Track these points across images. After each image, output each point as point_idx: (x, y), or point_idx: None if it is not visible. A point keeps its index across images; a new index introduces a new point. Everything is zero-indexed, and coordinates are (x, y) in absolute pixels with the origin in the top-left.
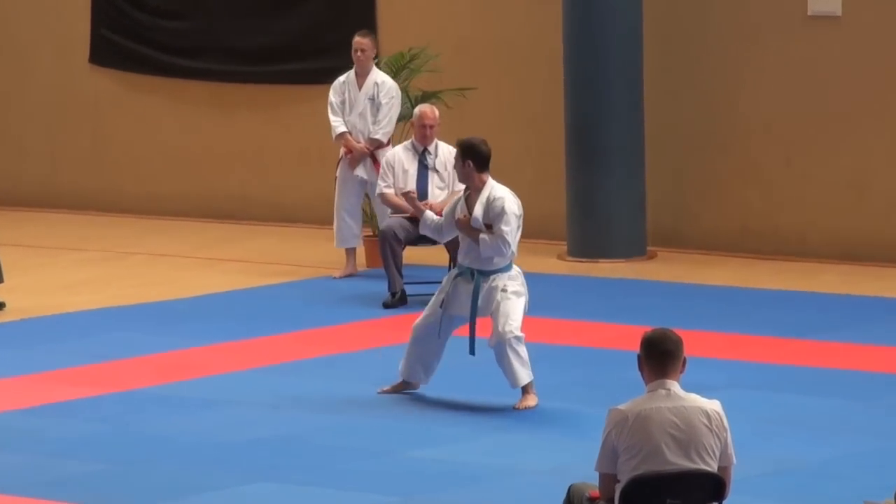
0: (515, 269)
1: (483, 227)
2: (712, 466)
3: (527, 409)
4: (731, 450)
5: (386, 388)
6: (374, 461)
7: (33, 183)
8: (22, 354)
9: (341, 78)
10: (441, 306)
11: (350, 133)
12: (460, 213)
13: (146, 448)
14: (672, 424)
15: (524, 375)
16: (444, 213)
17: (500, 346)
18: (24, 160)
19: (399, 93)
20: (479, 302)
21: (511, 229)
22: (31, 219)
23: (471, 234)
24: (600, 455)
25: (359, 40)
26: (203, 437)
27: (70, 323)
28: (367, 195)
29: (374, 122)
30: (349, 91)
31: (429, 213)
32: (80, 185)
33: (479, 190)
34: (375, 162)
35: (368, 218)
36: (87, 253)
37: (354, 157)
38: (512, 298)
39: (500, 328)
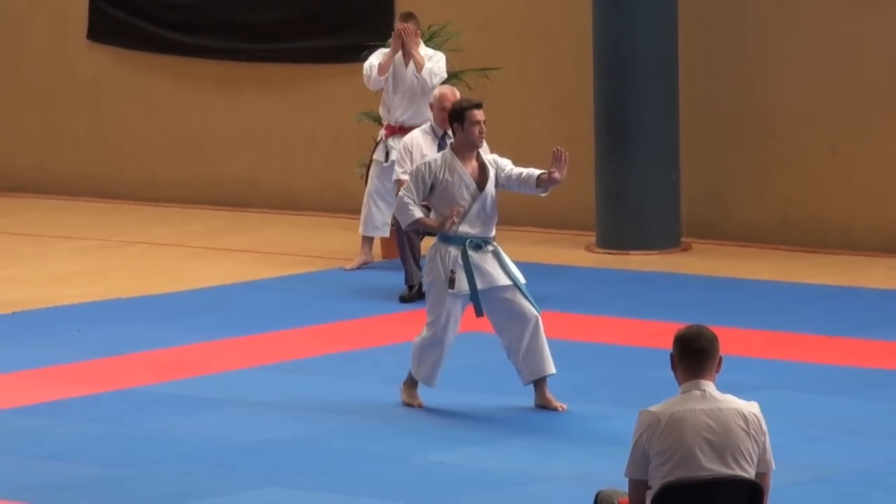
0: None
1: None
2: (749, 472)
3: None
4: (770, 455)
5: (407, 398)
6: (388, 466)
7: (27, 167)
8: (14, 350)
9: (386, 49)
10: (453, 289)
11: (389, 112)
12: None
13: (146, 450)
14: (707, 427)
15: (550, 365)
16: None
17: (536, 328)
18: (17, 143)
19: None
20: (494, 270)
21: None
22: (25, 205)
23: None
24: (630, 460)
25: (402, 25)
26: (207, 438)
27: (65, 316)
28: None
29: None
30: (394, 69)
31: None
32: (77, 170)
33: (473, 154)
34: None
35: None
36: (84, 242)
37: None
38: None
39: (531, 308)
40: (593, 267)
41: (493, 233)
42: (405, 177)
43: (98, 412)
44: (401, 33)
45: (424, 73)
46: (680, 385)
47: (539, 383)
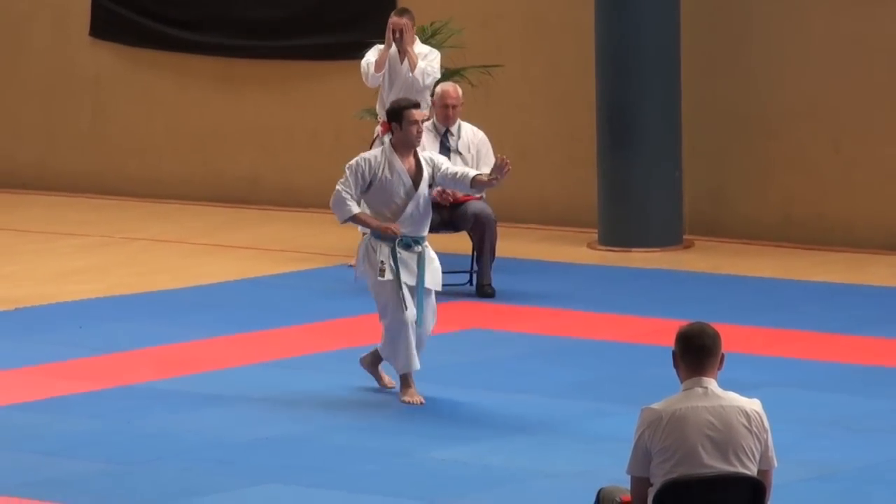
0: None
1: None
2: (752, 470)
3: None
4: (772, 452)
5: (407, 398)
6: (390, 462)
7: (29, 164)
8: (15, 346)
9: (382, 45)
10: (382, 277)
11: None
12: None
13: (148, 447)
14: (709, 425)
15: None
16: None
17: (429, 332)
18: (19, 140)
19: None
20: (426, 271)
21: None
22: (27, 202)
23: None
24: (632, 457)
25: (396, 21)
26: (208, 435)
27: (67, 313)
28: None
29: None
30: (389, 66)
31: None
32: (79, 167)
33: (411, 153)
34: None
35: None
36: (86, 238)
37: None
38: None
39: (432, 315)
40: (595, 264)
41: (426, 232)
42: None
43: (100, 409)
44: (393, 28)
45: (417, 72)
46: (682, 382)
47: (378, 355)
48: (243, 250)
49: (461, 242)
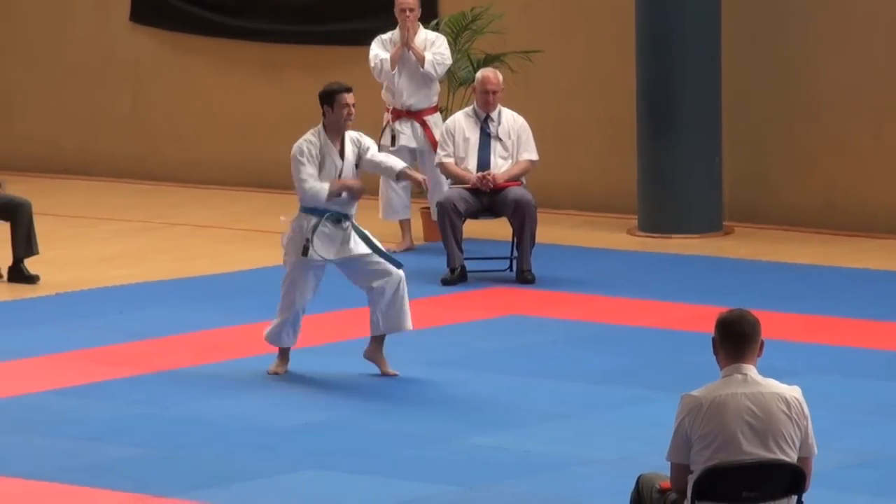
0: None
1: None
2: (791, 457)
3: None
4: (812, 439)
5: (274, 368)
6: (429, 448)
7: (70, 149)
8: (57, 331)
9: (385, 36)
10: (305, 254)
11: (394, 96)
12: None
13: (186, 432)
14: (749, 412)
15: (409, 322)
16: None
17: (400, 284)
18: (60, 125)
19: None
20: (352, 243)
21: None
22: (68, 186)
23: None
24: (672, 444)
25: (405, 15)
26: (247, 420)
27: (107, 298)
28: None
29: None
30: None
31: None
32: (120, 152)
33: (341, 134)
34: (426, 128)
35: (423, 190)
36: (126, 223)
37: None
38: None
39: (393, 267)
40: (635, 251)
41: (353, 210)
42: (448, 160)
43: (139, 394)
44: (402, 7)
45: (428, 66)
46: (721, 369)
47: (379, 339)
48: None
49: (501, 228)
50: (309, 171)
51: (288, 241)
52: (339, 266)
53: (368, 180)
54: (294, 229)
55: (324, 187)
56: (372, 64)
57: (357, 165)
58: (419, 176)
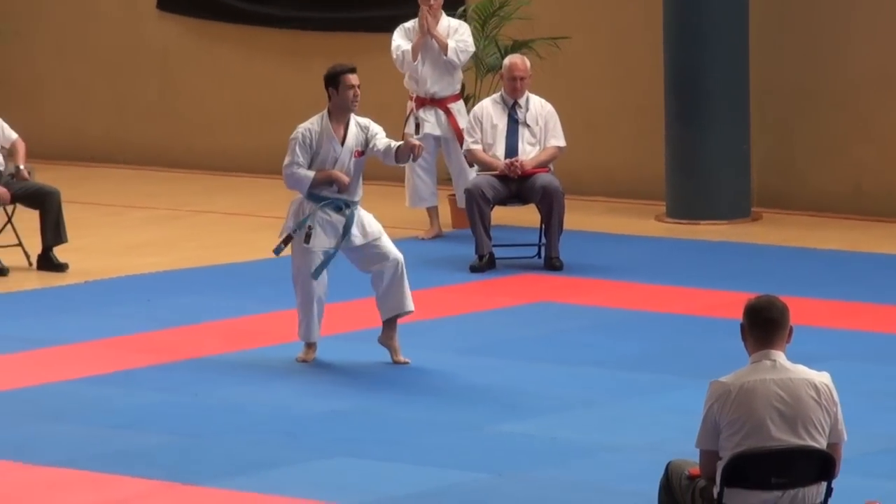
0: None
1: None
2: (821, 443)
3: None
4: (842, 425)
5: (302, 356)
6: (459, 435)
7: (98, 136)
8: (85, 319)
9: (408, 25)
10: (308, 243)
11: (418, 84)
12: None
13: (216, 420)
14: (777, 398)
15: (411, 303)
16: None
17: (398, 266)
18: (88, 113)
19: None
20: (355, 230)
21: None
22: (96, 174)
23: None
24: (701, 430)
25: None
26: (276, 408)
27: (136, 286)
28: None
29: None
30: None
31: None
32: (147, 139)
33: (346, 117)
34: (450, 115)
35: (451, 176)
36: (154, 211)
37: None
38: (383, 233)
39: (393, 250)
40: (663, 237)
41: (358, 196)
42: (476, 146)
43: (168, 381)
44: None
45: (451, 53)
46: (750, 355)
47: (390, 324)
48: None
49: (529, 215)
50: (296, 158)
51: (284, 226)
52: (344, 252)
53: (395, 169)
54: (293, 214)
55: (307, 175)
56: (394, 55)
57: (363, 152)
58: (413, 141)
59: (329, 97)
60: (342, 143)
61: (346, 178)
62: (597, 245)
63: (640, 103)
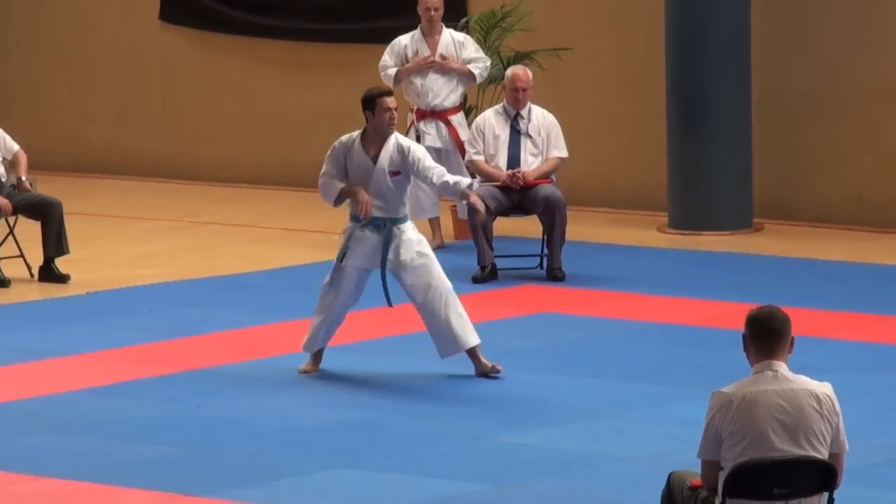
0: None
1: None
2: (822, 453)
3: (496, 374)
4: (844, 436)
5: (305, 367)
6: (462, 446)
7: (100, 147)
8: (88, 331)
9: (403, 40)
10: (342, 261)
11: (419, 97)
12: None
13: (219, 431)
14: (779, 408)
15: (472, 336)
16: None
17: (440, 299)
18: (90, 123)
19: None
20: (391, 253)
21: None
22: (98, 185)
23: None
24: (702, 441)
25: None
26: (279, 419)
27: (138, 297)
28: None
29: (470, 62)
30: (420, 52)
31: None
32: (150, 150)
33: (383, 140)
34: (450, 127)
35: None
36: (157, 222)
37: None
38: (429, 258)
39: (436, 280)
40: (665, 248)
41: (402, 213)
42: (478, 157)
43: (172, 393)
44: (427, 7)
45: (479, 78)
46: (752, 366)
47: (473, 352)
48: (313, 234)
49: (531, 226)
50: (328, 169)
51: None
52: (393, 275)
53: None
54: (345, 231)
55: (336, 186)
56: (382, 72)
57: (398, 172)
58: (481, 205)
59: (366, 119)
60: (374, 162)
61: (365, 198)
62: (599, 256)
63: (642, 114)
